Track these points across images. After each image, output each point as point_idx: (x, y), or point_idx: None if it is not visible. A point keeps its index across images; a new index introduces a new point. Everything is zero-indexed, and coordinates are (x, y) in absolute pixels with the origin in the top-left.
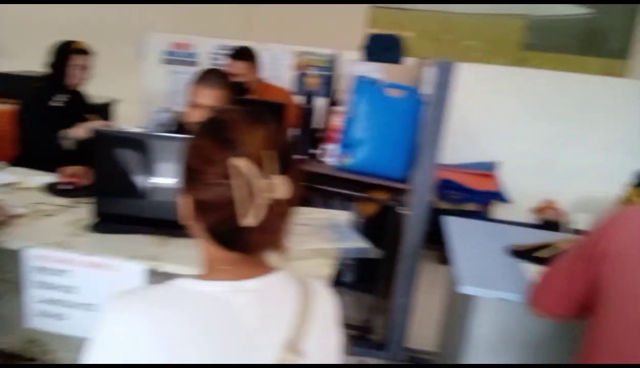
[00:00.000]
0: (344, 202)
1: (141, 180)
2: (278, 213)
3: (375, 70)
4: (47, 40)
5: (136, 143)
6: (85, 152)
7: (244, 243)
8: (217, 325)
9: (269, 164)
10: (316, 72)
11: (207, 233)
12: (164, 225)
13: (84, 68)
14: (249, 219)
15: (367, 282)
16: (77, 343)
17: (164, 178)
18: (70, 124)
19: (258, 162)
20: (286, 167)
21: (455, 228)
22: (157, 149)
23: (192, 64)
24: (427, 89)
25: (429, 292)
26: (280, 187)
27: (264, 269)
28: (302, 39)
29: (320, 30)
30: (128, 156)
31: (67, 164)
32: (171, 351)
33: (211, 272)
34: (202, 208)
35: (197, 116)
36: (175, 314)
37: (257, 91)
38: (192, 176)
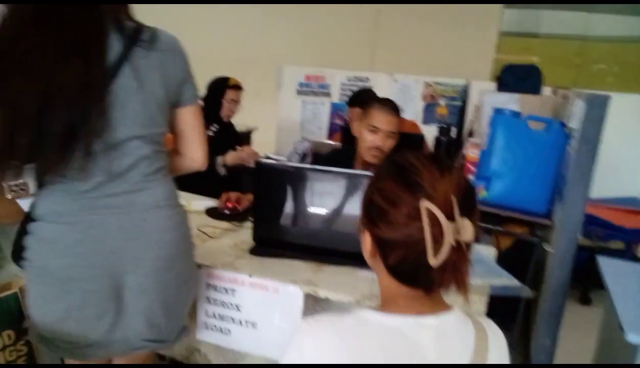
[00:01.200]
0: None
1: (297, 209)
2: (460, 253)
3: (511, 101)
4: (194, 73)
5: (293, 174)
6: (235, 178)
7: (426, 281)
8: (400, 357)
9: (455, 206)
10: (445, 102)
11: (387, 270)
12: (318, 252)
13: (236, 102)
14: (436, 260)
15: (504, 319)
16: (235, 357)
17: (318, 207)
18: (222, 152)
19: (446, 205)
20: (469, 209)
21: (609, 269)
22: (312, 180)
23: (325, 94)
24: (572, 122)
25: (571, 334)
26: (466, 229)
27: (442, 306)
28: (430, 69)
29: (448, 59)
30: (285, 186)
31: (219, 189)
32: None
33: (390, 305)
34: (385, 245)
35: (375, 140)
36: (364, 343)
37: None
38: (377, 215)
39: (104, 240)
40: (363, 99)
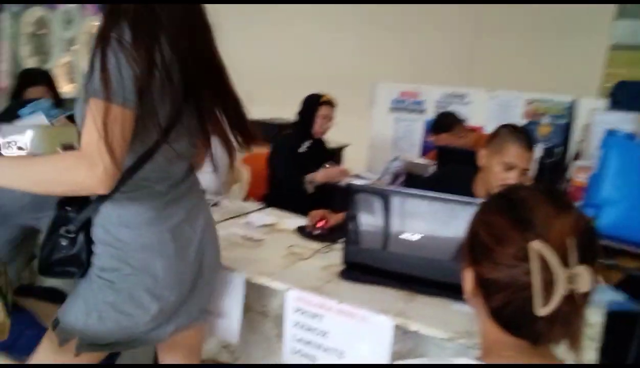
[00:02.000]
0: None
1: (390, 233)
2: (574, 304)
3: (625, 121)
4: (289, 89)
5: (387, 197)
6: (324, 196)
7: (531, 332)
8: None
9: (572, 251)
10: (549, 120)
11: (488, 312)
12: (410, 280)
13: (329, 118)
14: (543, 309)
15: (622, 336)
16: None
17: (412, 233)
18: (312, 169)
19: (561, 249)
20: (589, 256)
21: None
22: (407, 204)
23: (419, 111)
24: None
25: None
26: (583, 278)
27: (552, 361)
28: (532, 84)
29: (552, 74)
30: (379, 209)
31: (308, 206)
32: None
33: (492, 355)
34: (487, 286)
35: (509, 178)
36: None
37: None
38: (481, 252)
39: (196, 235)
40: (449, 121)
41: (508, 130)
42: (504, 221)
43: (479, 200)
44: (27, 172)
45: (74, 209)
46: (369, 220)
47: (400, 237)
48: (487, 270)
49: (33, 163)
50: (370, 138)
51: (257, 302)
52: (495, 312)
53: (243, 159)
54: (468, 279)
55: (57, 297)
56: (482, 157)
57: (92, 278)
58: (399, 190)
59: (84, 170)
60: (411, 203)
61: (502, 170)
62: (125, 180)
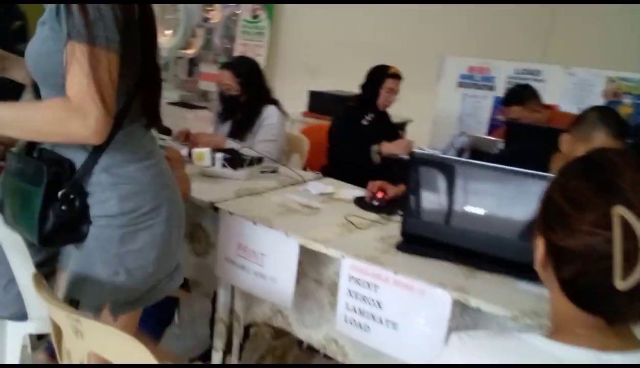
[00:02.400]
0: None
1: (453, 206)
2: None
3: None
4: (353, 61)
5: (452, 168)
6: (387, 169)
7: (609, 309)
8: None
9: None
10: (631, 100)
11: (560, 285)
12: (472, 255)
13: (394, 91)
14: (625, 282)
15: None
16: (373, 354)
17: (477, 207)
18: (376, 141)
19: None
20: None
21: None
22: (473, 176)
23: (489, 88)
24: None
25: None
26: None
27: (632, 343)
28: (614, 62)
29: (635, 50)
30: (442, 180)
31: (367, 179)
32: None
33: (564, 332)
34: (559, 255)
35: None
36: None
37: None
38: (555, 217)
39: None
40: (523, 93)
41: (597, 116)
42: (586, 185)
43: (551, 175)
44: (20, 121)
45: (66, 169)
46: (431, 192)
47: (463, 210)
48: (560, 238)
49: (25, 112)
50: (434, 114)
51: (312, 268)
52: (567, 283)
53: (305, 130)
54: (539, 248)
55: None
56: (565, 142)
57: (104, 235)
58: (465, 161)
59: (77, 122)
60: (477, 175)
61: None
62: (120, 125)
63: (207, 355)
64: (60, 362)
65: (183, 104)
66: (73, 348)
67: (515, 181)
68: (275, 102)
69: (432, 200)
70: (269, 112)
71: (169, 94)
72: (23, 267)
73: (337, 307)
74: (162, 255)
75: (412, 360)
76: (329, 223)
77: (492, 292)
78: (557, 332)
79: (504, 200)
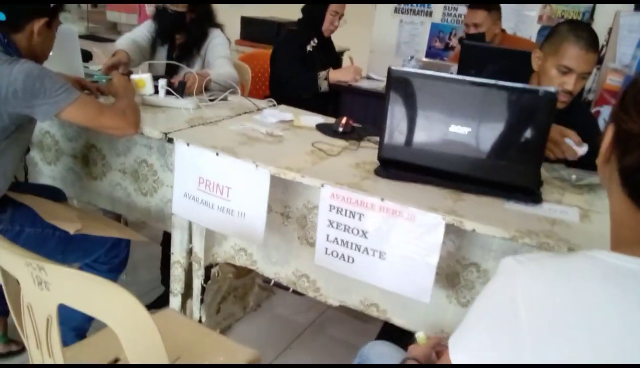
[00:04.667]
0: None
1: (434, 127)
2: None
3: None
4: None
5: (435, 86)
6: (335, 96)
7: None
8: None
9: None
10: None
11: (620, 179)
12: (457, 178)
13: (339, 15)
14: None
15: None
16: (348, 288)
17: (461, 126)
18: (322, 68)
19: None
20: None
21: None
22: (456, 94)
23: (426, 14)
24: None
25: None
26: None
27: None
28: None
29: None
30: (423, 99)
31: (320, 105)
32: (582, 330)
33: (626, 245)
34: (626, 141)
35: (565, 83)
36: (597, 291)
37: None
38: (633, 99)
39: None
40: (491, 4)
41: (567, 28)
42: None
43: (542, 89)
44: None
45: None
46: (410, 112)
47: (446, 131)
48: (632, 120)
49: None
50: (371, 43)
51: (277, 202)
52: (628, 174)
53: (242, 58)
54: (607, 137)
55: (55, 194)
56: (537, 59)
57: None
58: (450, 77)
59: None
60: (460, 91)
61: (557, 73)
62: None
63: (160, 301)
64: (16, 321)
65: (91, 37)
66: (35, 303)
67: (498, 96)
68: (219, 26)
69: (412, 121)
70: (215, 34)
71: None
72: None
73: (317, 239)
74: None
75: (401, 290)
76: (297, 152)
77: (484, 214)
78: (620, 245)
79: (491, 118)
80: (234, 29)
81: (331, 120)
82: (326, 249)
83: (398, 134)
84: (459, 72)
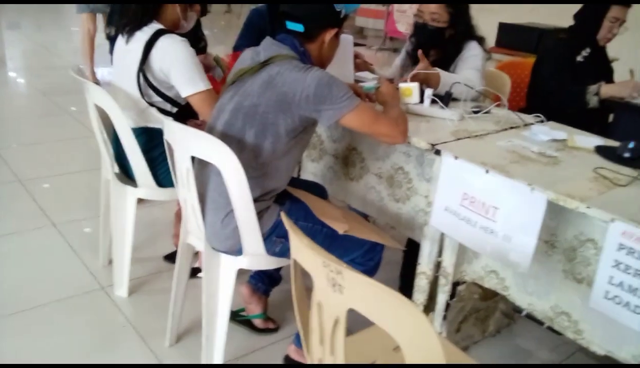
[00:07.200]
0: None
1: None
2: None
3: None
4: None
5: None
6: (605, 113)
7: None
8: None
9: None
10: None
11: None
12: None
13: (620, 22)
14: None
15: None
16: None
17: None
18: (593, 81)
19: None
20: None
21: None
22: None
23: None
24: None
25: None
26: None
27: None
28: None
29: None
30: None
31: (580, 125)
32: None
33: None
34: None
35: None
36: None
37: None
38: None
39: None
40: None
41: None
42: None
43: None
44: None
45: None
46: None
47: None
48: None
49: None
50: None
51: (543, 228)
52: None
53: (500, 66)
54: None
55: (320, 191)
56: None
57: None
58: None
59: None
60: None
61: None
62: None
63: None
64: (297, 309)
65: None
66: (327, 303)
67: None
68: (478, 39)
69: None
70: (471, 46)
71: None
72: (242, 200)
73: (596, 279)
74: None
75: None
76: (576, 177)
77: None
78: None
79: None
80: (488, 35)
81: (612, 142)
82: (607, 293)
83: None
84: None
